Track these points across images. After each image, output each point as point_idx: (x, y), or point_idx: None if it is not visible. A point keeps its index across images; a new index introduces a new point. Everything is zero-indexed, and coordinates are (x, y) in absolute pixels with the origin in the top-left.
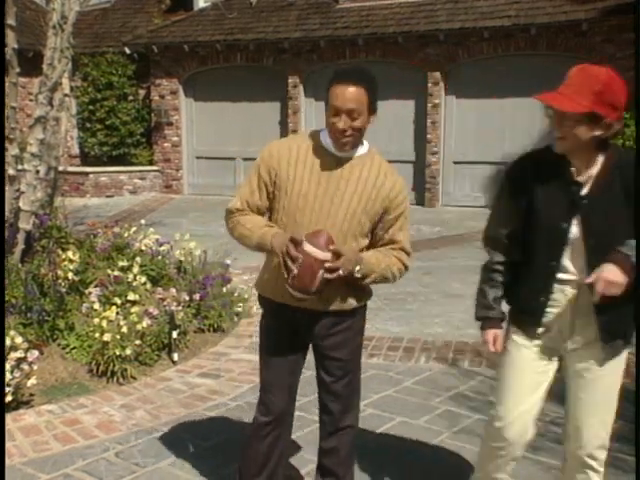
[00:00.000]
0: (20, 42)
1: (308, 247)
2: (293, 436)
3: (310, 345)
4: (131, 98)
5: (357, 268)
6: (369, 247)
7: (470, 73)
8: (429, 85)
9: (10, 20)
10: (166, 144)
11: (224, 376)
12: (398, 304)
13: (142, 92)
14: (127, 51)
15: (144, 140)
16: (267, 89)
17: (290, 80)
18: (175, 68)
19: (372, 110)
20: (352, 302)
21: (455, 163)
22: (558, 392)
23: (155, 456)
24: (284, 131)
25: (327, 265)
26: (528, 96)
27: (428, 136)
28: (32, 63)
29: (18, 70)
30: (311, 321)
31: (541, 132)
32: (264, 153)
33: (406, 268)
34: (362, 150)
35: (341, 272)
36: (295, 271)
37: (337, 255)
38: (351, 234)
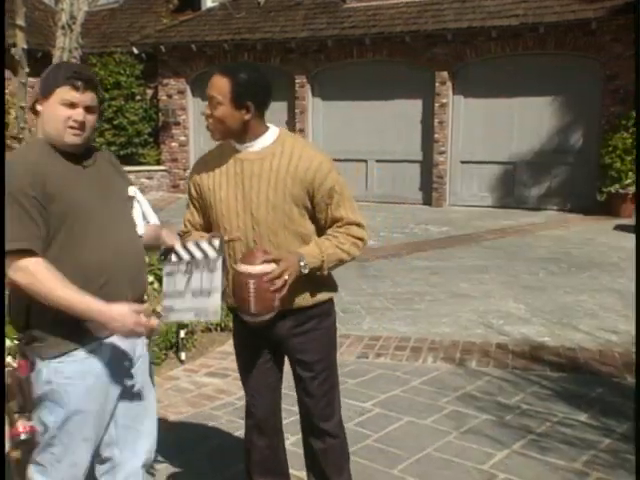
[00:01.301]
0: (29, 42)
1: (250, 268)
2: (293, 439)
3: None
4: (139, 98)
5: (302, 264)
6: (320, 233)
7: (478, 72)
8: (436, 85)
9: (20, 21)
10: (173, 144)
11: (231, 375)
12: (405, 304)
13: (150, 92)
14: (135, 51)
15: (151, 140)
16: (274, 89)
17: (297, 80)
18: (183, 68)
19: (238, 105)
20: (310, 298)
21: (462, 163)
22: (564, 393)
23: (162, 455)
24: (291, 130)
25: (269, 277)
26: (536, 96)
27: (435, 136)
28: (41, 63)
29: (27, 70)
30: (270, 324)
31: (549, 132)
32: (191, 171)
33: (361, 239)
34: (267, 140)
35: (286, 277)
36: (252, 298)
37: (276, 262)
38: (280, 226)
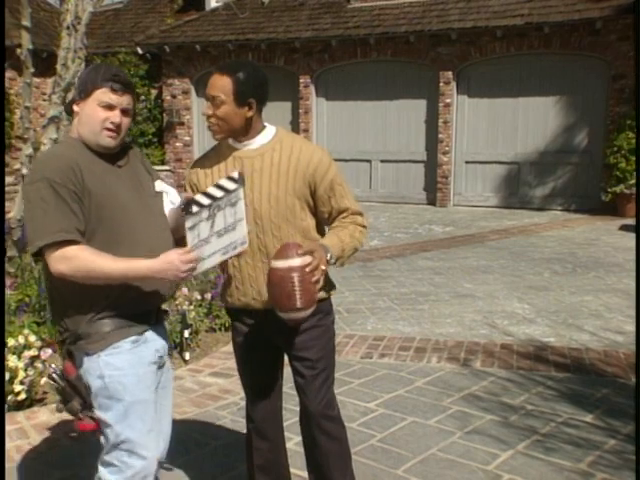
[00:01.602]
0: (34, 43)
1: (291, 262)
2: (297, 439)
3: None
4: (143, 98)
5: (329, 256)
6: (319, 228)
7: (482, 72)
8: (441, 84)
9: (25, 21)
10: (178, 144)
11: (235, 375)
12: (409, 304)
13: (154, 92)
14: (139, 51)
15: (156, 140)
16: (278, 89)
17: (301, 80)
18: (187, 68)
19: (242, 102)
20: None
21: (467, 163)
22: (569, 394)
23: (167, 455)
24: (295, 131)
25: (311, 267)
26: (541, 95)
27: (440, 136)
28: (46, 63)
29: (33, 70)
30: (274, 321)
31: (554, 132)
32: (187, 171)
33: (365, 227)
34: (265, 138)
35: (323, 267)
36: (297, 292)
37: (311, 253)
38: (282, 219)
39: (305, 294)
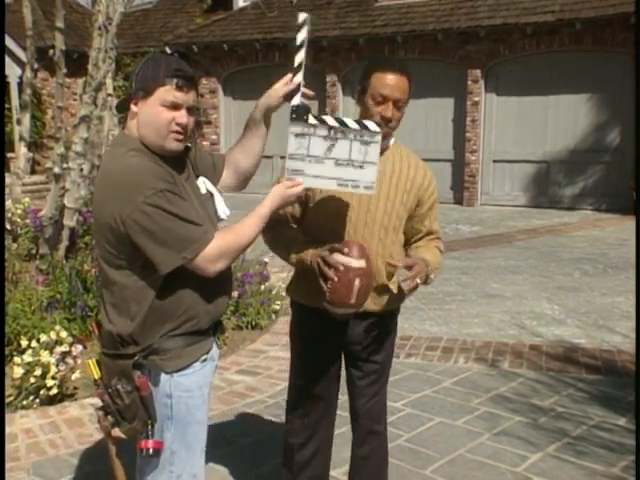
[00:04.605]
0: (66, 44)
1: (340, 257)
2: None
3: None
4: None
5: (428, 269)
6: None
7: (511, 70)
8: (469, 83)
9: (59, 23)
10: (205, 142)
11: (262, 373)
12: (436, 304)
13: None
14: (168, 51)
15: None
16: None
17: (328, 78)
18: (214, 67)
19: (407, 102)
20: (400, 300)
21: (495, 162)
22: (601, 396)
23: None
24: None
25: (404, 280)
26: (571, 93)
27: (467, 134)
28: (77, 64)
29: (65, 71)
30: (351, 324)
31: (584, 130)
32: None
33: (442, 253)
34: (389, 141)
35: (418, 280)
36: (329, 285)
37: (409, 267)
38: (392, 227)
39: (334, 289)
